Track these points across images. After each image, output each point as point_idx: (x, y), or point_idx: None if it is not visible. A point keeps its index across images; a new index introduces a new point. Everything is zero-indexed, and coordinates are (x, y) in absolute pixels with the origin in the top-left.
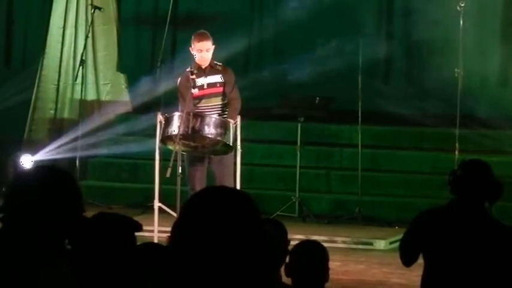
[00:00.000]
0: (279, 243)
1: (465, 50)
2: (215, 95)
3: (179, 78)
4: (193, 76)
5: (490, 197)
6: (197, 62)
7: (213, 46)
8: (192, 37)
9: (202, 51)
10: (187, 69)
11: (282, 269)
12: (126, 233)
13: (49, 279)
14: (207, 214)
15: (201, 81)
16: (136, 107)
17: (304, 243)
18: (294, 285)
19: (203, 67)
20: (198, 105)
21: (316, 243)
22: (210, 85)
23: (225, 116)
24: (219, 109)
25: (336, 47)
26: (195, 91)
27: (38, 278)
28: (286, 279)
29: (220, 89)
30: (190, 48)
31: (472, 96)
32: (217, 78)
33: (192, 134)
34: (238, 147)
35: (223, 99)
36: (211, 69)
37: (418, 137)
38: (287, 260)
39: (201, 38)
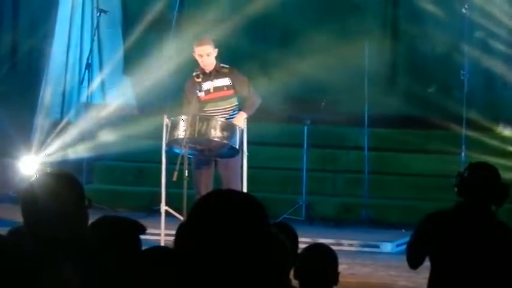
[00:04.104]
0: (289, 247)
1: (470, 52)
2: (222, 98)
3: (186, 82)
4: (199, 79)
5: (496, 200)
6: (201, 66)
7: (215, 50)
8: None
9: (203, 56)
10: (194, 73)
11: (291, 272)
12: (130, 235)
13: (52, 282)
14: (213, 217)
15: (208, 85)
16: (142, 110)
17: (313, 247)
18: None
19: (207, 71)
20: (205, 109)
21: (326, 247)
22: (216, 89)
23: (233, 119)
24: (227, 113)
25: (342, 50)
26: (201, 94)
27: (41, 280)
28: (295, 282)
29: (229, 92)
30: (193, 54)
31: (477, 98)
32: (224, 81)
33: (198, 137)
34: (245, 150)
35: (231, 103)
36: (217, 73)
37: (424, 140)
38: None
39: (200, 43)
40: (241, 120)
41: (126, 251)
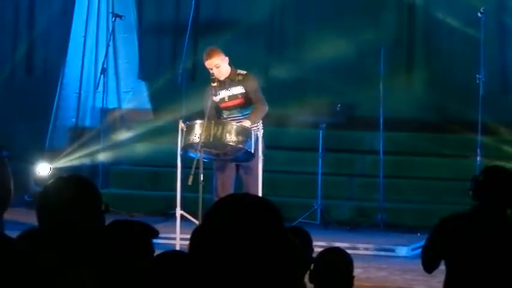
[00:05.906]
0: (303, 251)
1: (486, 56)
2: (236, 106)
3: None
4: (215, 84)
5: None
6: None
7: (224, 59)
8: None
9: (212, 68)
10: (211, 79)
11: (306, 276)
12: (142, 239)
13: (66, 286)
14: (227, 221)
15: (223, 94)
16: (158, 114)
17: (328, 251)
18: None
19: (222, 79)
20: (221, 116)
21: (341, 251)
22: (231, 97)
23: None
24: (239, 121)
25: (357, 54)
26: (216, 99)
27: (55, 284)
28: (310, 286)
29: (243, 100)
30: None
31: (493, 102)
32: (238, 89)
33: (214, 142)
34: (260, 154)
35: (246, 110)
36: (231, 82)
37: (440, 143)
38: (311, 267)
39: (207, 56)
40: (253, 121)
41: (139, 253)
